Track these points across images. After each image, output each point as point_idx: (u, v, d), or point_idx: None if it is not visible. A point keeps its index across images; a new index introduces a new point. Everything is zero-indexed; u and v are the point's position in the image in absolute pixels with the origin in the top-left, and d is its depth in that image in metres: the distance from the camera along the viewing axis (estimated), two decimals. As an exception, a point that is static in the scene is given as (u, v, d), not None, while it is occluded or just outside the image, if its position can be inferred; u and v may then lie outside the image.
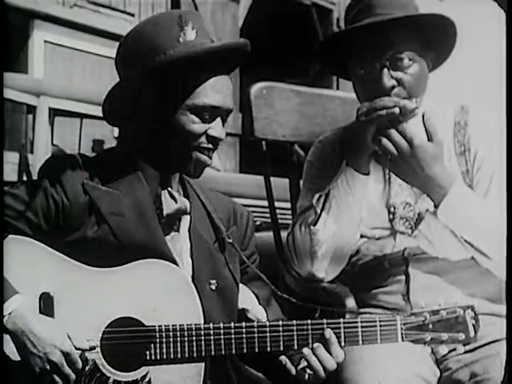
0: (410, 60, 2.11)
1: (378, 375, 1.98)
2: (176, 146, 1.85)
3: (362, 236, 2.21)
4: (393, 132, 2.02)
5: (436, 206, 2.08)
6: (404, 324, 1.83)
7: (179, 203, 1.88)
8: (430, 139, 2.03)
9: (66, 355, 1.71)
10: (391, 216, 2.19)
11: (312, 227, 2.14)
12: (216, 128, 1.85)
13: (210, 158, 1.87)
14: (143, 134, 1.88)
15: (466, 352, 2.08)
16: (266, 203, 2.68)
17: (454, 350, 2.08)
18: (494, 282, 2.16)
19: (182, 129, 1.83)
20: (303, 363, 1.84)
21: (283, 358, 1.85)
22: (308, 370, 1.83)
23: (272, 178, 2.67)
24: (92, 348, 1.74)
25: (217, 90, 1.83)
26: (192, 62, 1.80)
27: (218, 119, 1.85)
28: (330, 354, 1.82)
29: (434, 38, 2.15)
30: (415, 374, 2.05)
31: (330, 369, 1.82)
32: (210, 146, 1.85)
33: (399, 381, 2.00)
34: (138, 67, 1.82)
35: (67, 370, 1.71)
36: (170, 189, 1.89)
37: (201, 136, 1.84)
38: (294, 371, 1.84)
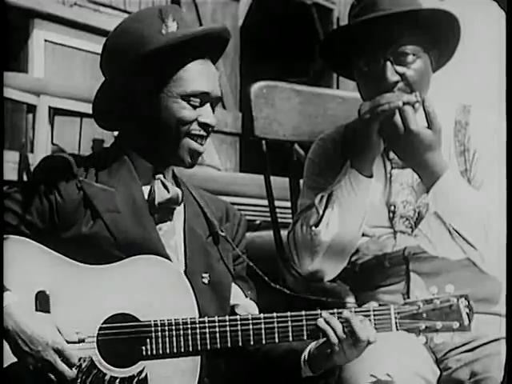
0: (414, 55, 2.11)
1: (377, 375, 1.99)
2: (168, 134, 1.87)
3: (362, 235, 2.21)
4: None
5: (427, 191, 2.08)
6: (398, 313, 1.83)
7: (171, 192, 1.89)
8: (429, 125, 2.04)
9: (59, 352, 1.71)
10: (391, 215, 2.19)
11: (314, 228, 2.14)
12: (206, 114, 1.88)
13: (202, 145, 1.90)
14: (135, 128, 1.90)
15: (466, 351, 2.09)
16: (266, 202, 2.68)
17: (454, 349, 2.10)
18: (493, 282, 2.16)
19: (173, 115, 1.86)
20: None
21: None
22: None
23: (272, 177, 2.67)
24: (81, 341, 1.74)
25: (204, 77, 1.88)
26: (175, 50, 1.84)
27: (208, 106, 1.89)
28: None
29: (438, 33, 2.15)
30: (415, 374, 2.04)
31: (366, 337, 1.78)
32: (202, 132, 1.88)
33: (399, 380, 2.00)
34: (125, 61, 1.85)
35: (61, 366, 1.71)
36: (162, 179, 1.90)
37: (192, 122, 1.87)
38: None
